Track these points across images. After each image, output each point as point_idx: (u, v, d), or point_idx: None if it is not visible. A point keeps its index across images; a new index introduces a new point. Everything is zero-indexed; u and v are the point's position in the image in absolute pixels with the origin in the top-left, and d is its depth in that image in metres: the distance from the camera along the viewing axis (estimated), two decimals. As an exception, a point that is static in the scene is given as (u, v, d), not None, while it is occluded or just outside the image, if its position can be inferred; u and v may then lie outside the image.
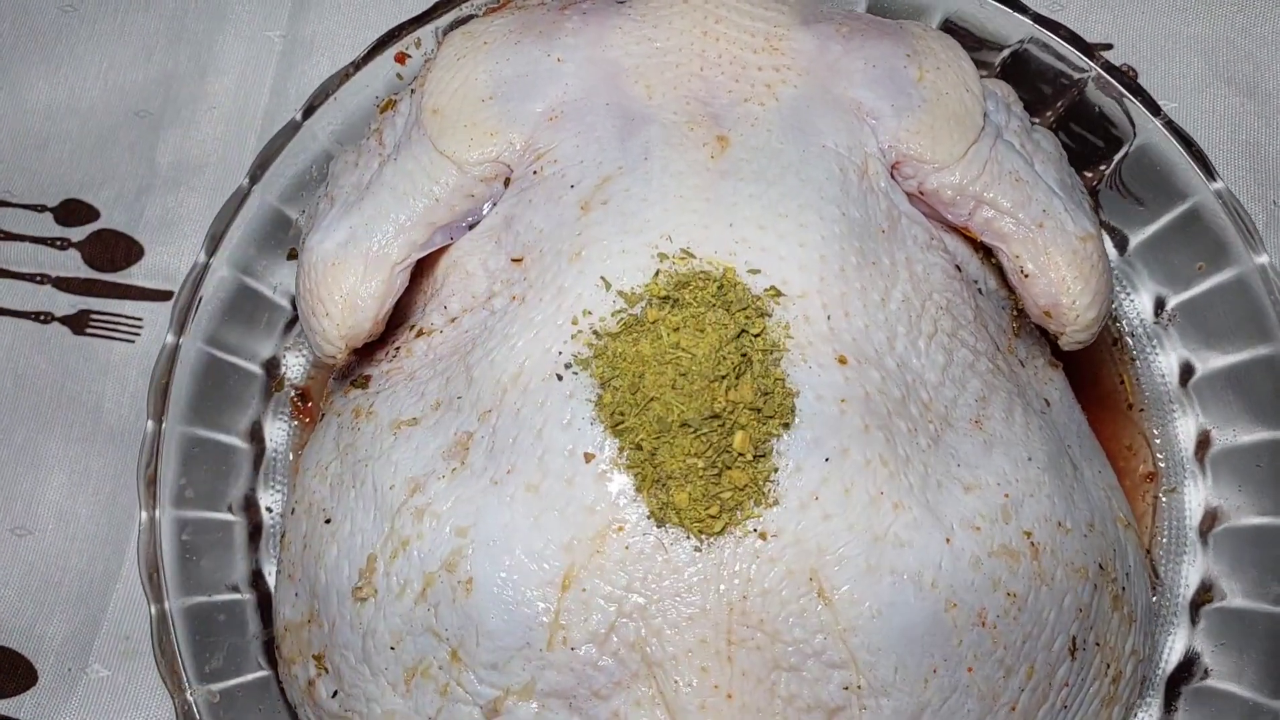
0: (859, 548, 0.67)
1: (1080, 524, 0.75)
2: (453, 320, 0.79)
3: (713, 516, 0.67)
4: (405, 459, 0.73)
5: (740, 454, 0.67)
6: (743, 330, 0.69)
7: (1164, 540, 0.92)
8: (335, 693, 0.74)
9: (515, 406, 0.71)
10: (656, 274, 0.72)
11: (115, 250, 1.09)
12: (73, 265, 1.09)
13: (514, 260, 0.77)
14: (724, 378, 0.68)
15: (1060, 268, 0.78)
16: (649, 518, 0.68)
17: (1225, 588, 0.88)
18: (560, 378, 0.70)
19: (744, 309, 0.70)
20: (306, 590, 0.77)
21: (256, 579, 0.91)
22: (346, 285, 0.77)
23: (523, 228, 0.77)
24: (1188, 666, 0.88)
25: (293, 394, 0.97)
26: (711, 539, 0.67)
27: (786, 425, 0.68)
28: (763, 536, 0.67)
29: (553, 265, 0.74)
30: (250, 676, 0.86)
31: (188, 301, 0.90)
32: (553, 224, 0.75)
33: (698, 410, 0.67)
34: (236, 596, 0.89)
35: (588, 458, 0.68)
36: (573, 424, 0.69)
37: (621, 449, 0.68)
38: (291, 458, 0.95)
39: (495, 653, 0.68)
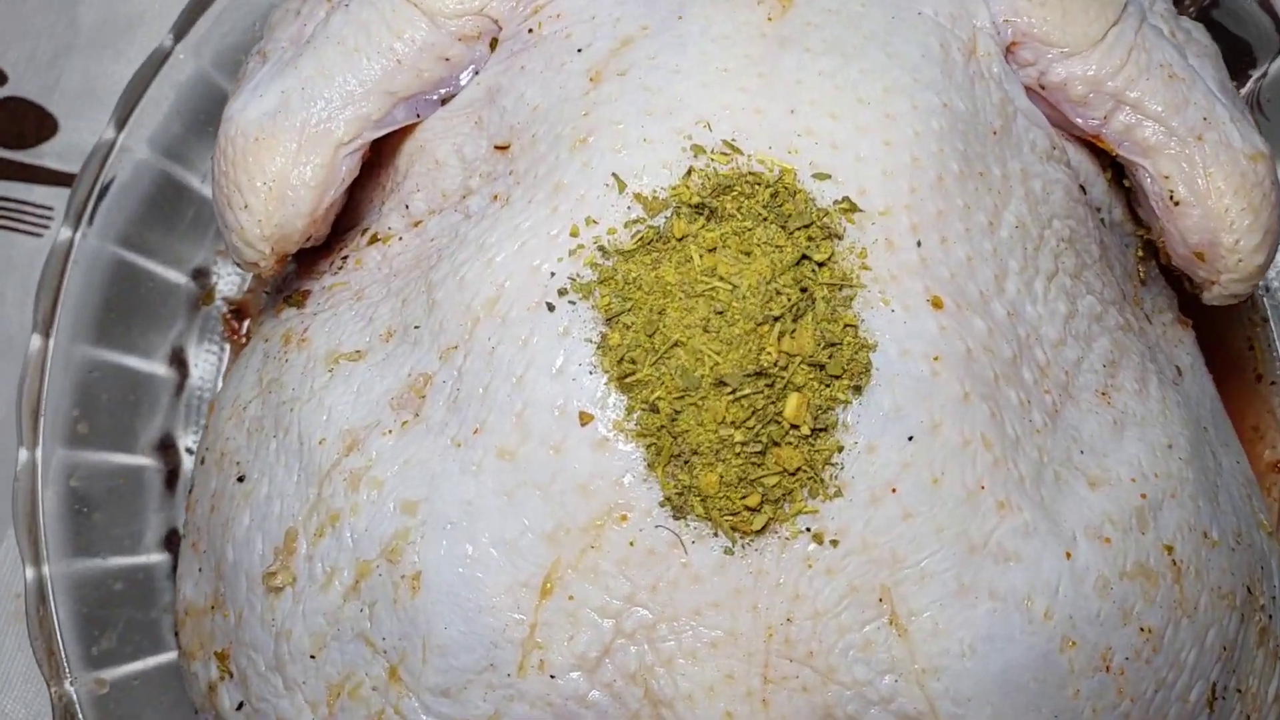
0: (949, 560, 0.50)
1: (1228, 534, 0.57)
2: (416, 224, 0.61)
3: (751, 509, 0.49)
4: (342, 404, 0.56)
5: (793, 426, 0.49)
6: (804, 256, 0.51)
7: (1295, 546, 0.74)
8: (240, 705, 0.57)
9: (489, 343, 0.53)
10: (689, 172, 0.53)
11: (24, 123, 0.92)
12: (-27, 139, 0.90)
13: (498, 147, 0.58)
14: (776, 320, 0.50)
15: (1224, 194, 0.59)
16: (664, 505, 0.50)
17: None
18: (552, 307, 0.52)
19: (806, 226, 0.52)
20: (211, 567, 0.59)
21: (172, 538, 0.74)
22: (274, 167, 0.59)
23: (511, 103, 0.58)
24: (1322, 706, 0.70)
25: (225, 310, 0.79)
26: (748, 539, 0.50)
27: (858, 389, 0.50)
28: (818, 539, 0.50)
29: (549, 155, 0.56)
30: (153, 661, 0.69)
31: (90, 187, 0.72)
32: (552, 99, 0.57)
33: (738, 363, 0.49)
34: (141, 560, 0.72)
35: (584, 418, 0.50)
36: (565, 371, 0.51)
37: (630, 410, 0.50)
38: (220, 388, 0.77)
39: (448, 674, 0.51)
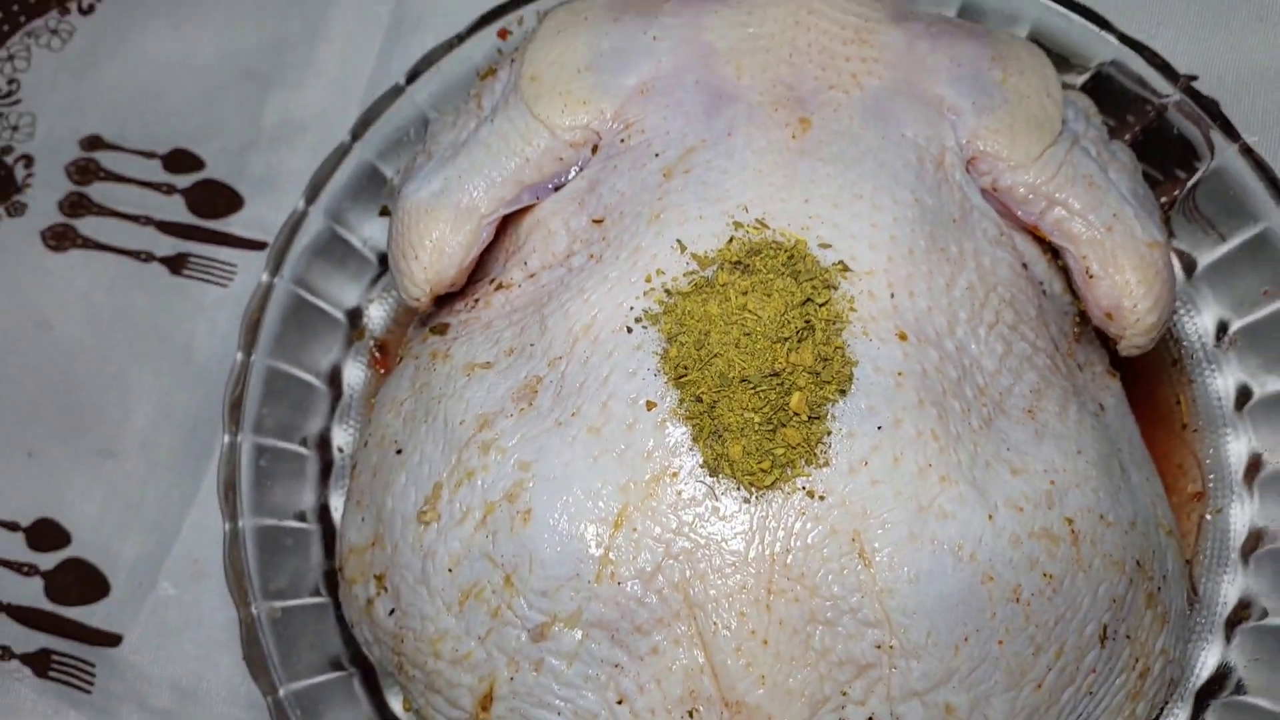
0: (903, 515, 0.70)
1: (1123, 521, 0.77)
2: (531, 276, 0.83)
3: (764, 470, 0.70)
4: (476, 397, 0.77)
5: (796, 414, 0.70)
6: (808, 299, 0.73)
7: (1205, 559, 0.93)
8: (392, 610, 0.78)
9: (585, 355, 0.74)
10: (730, 240, 0.75)
11: (217, 199, 1.15)
12: (176, 210, 1.15)
13: (595, 221, 0.81)
14: (786, 340, 0.71)
15: (1125, 271, 0.80)
16: (702, 466, 0.71)
17: (1264, 606, 0.89)
18: (630, 330, 0.74)
19: (811, 279, 0.73)
20: (373, 515, 0.81)
21: (323, 513, 0.96)
22: (437, 232, 0.82)
23: (606, 191, 0.81)
24: (1219, 680, 0.88)
25: (372, 344, 1.02)
26: (761, 492, 0.70)
27: (843, 392, 0.71)
28: (810, 495, 0.70)
29: (631, 226, 0.78)
30: (310, 600, 0.90)
31: (284, 244, 0.95)
32: (635, 188, 0.79)
33: (758, 368, 0.70)
34: (304, 525, 0.94)
35: (649, 406, 0.72)
36: (638, 374, 0.73)
37: (682, 400, 0.71)
38: (366, 404, 1.00)
39: (546, 581, 0.71)
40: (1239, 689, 0.87)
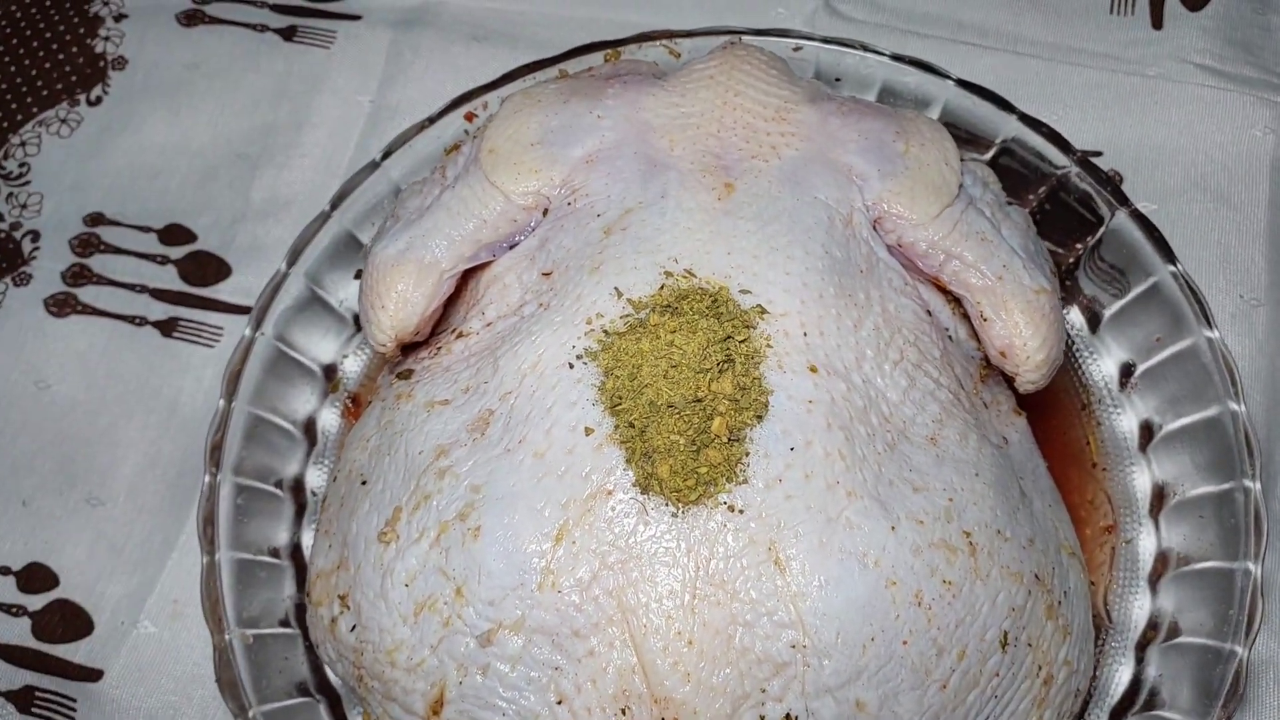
0: (814, 526, 0.77)
1: (1020, 537, 0.84)
2: (489, 325, 0.92)
3: (689, 487, 0.78)
4: (435, 430, 0.86)
5: (717, 436, 0.78)
6: (729, 336, 0.81)
7: (1118, 586, 1.00)
8: (354, 626, 0.84)
9: (531, 389, 0.83)
10: (661, 288, 0.85)
11: (207, 269, 1.25)
12: (169, 279, 1.25)
13: (544, 274, 0.90)
14: (708, 371, 0.80)
15: (1014, 314, 0.89)
16: (635, 485, 0.78)
17: (1168, 626, 0.96)
18: (571, 366, 0.83)
19: (732, 319, 0.82)
20: (339, 541, 0.88)
21: (295, 551, 1.03)
22: (401, 285, 0.91)
23: (554, 247, 0.90)
24: (1131, 696, 0.95)
25: (346, 396, 1.10)
26: (687, 507, 0.78)
27: (760, 417, 0.80)
28: (731, 509, 0.78)
29: (575, 277, 0.87)
30: (280, 630, 0.97)
31: (266, 302, 1.04)
32: (579, 244, 0.89)
33: (683, 395, 0.79)
34: (277, 561, 1.01)
35: (588, 431, 0.80)
36: (578, 404, 0.81)
37: (617, 426, 0.80)
38: (339, 450, 1.07)
39: (493, 591, 0.79)
40: (1150, 705, 0.94)
